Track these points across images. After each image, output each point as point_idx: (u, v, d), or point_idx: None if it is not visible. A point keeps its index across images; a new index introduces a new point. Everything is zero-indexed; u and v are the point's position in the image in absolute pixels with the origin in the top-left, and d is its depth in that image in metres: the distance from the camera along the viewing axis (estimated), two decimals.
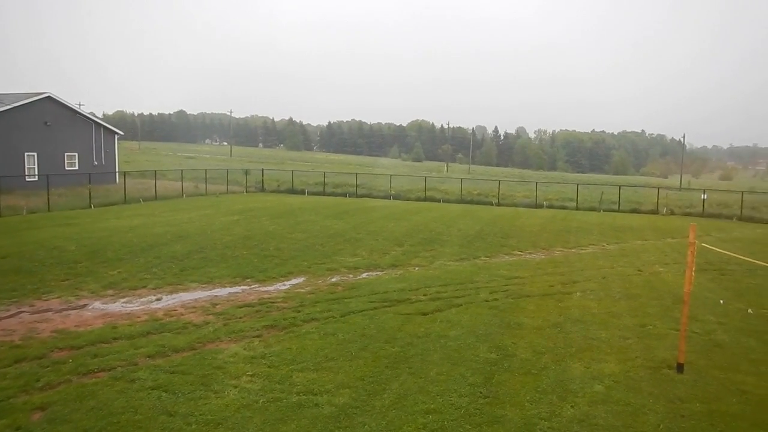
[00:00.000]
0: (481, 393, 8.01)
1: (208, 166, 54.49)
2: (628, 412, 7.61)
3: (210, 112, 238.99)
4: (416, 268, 16.44)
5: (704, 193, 40.07)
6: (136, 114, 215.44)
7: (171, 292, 13.02)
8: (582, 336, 10.71)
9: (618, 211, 38.48)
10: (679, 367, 9.02)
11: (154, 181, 36.43)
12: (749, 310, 12.89)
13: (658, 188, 45.69)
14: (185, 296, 12.75)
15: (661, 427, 7.21)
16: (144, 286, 13.43)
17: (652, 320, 11.87)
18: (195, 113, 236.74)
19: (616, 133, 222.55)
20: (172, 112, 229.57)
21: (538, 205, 39.96)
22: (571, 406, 7.70)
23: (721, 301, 13.60)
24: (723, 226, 31.53)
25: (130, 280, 13.90)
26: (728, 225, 32.75)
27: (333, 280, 14.72)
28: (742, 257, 15.63)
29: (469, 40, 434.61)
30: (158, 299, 12.44)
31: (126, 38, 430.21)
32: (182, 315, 11.27)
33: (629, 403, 7.86)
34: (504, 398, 7.88)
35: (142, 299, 12.42)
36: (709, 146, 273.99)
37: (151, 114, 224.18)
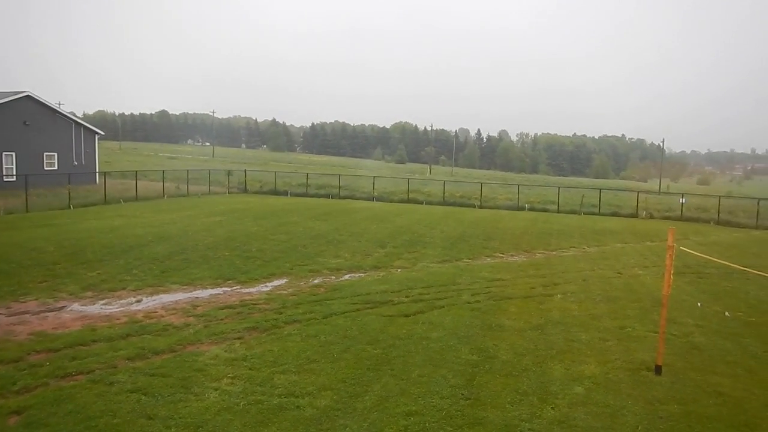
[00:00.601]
0: (462, 395, 8.05)
1: (190, 167, 54.05)
2: (608, 413, 7.69)
3: (192, 112, 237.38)
4: (399, 270, 16.46)
5: (683, 197, 40.62)
6: (117, 114, 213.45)
7: (151, 294, 12.89)
8: (563, 338, 10.80)
9: (598, 214, 38.89)
10: (658, 369, 9.13)
11: (135, 182, 36.05)
12: (726, 313, 13.10)
13: (638, 192, 46.22)
14: (166, 298, 12.63)
15: (639, 428, 7.30)
16: (124, 288, 13.28)
17: (632, 323, 12.01)
18: (177, 113, 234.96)
19: (597, 137, 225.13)
20: (153, 112, 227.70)
21: (520, 208, 40.22)
22: (552, 408, 7.76)
23: (699, 304, 13.79)
24: (701, 230, 32.01)
25: (109, 282, 13.74)
26: (706, 229, 33.25)
27: (315, 281, 14.69)
28: (719, 261, 15.89)
29: (457, 47, 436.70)
30: (138, 301, 12.32)
31: (108, 37, 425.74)
32: (162, 317, 11.17)
33: (608, 405, 7.94)
34: (485, 400, 7.92)
35: (121, 301, 12.29)
36: (688, 151, 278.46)
37: (132, 114, 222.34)
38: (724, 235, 30.36)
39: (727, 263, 15.74)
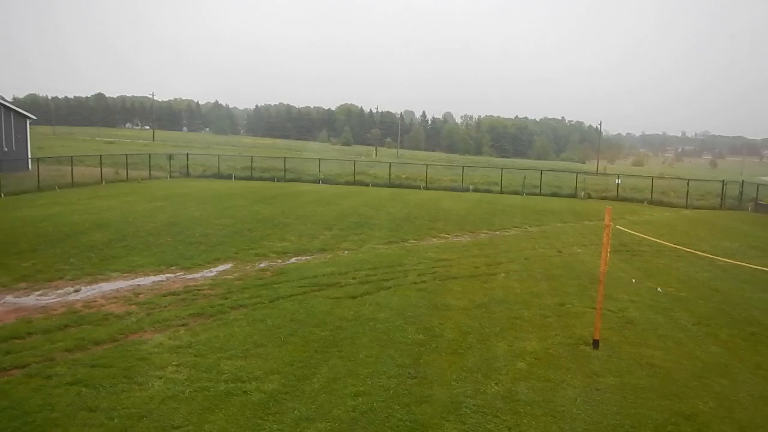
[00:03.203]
0: (409, 374, 8.18)
1: (129, 151, 52.25)
2: (548, 387, 7.98)
3: (130, 95, 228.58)
4: (345, 252, 16.49)
5: (618, 178, 42.16)
6: (50, 97, 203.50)
7: (90, 283, 12.49)
8: (506, 315, 11.10)
9: (540, 194, 39.95)
10: (595, 343, 9.52)
11: (70, 168, 34.56)
12: (658, 289, 13.73)
13: (577, 173, 47.69)
14: (106, 286, 12.27)
15: (578, 400, 7.61)
16: (61, 278, 12.80)
17: (571, 299, 12.45)
18: (114, 96, 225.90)
19: (538, 120, 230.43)
20: (89, 96, 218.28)
21: (464, 189, 40.85)
22: (496, 383, 8.00)
23: (633, 281, 14.41)
24: (635, 210, 33.38)
25: (45, 272, 13.21)
26: (640, 208, 34.70)
27: (261, 265, 14.56)
28: (652, 239, 16.61)
29: (403, 30, 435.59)
30: (76, 291, 11.91)
31: (34, 16, 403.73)
32: (103, 306, 10.86)
33: (549, 379, 8.24)
34: (432, 378, 8.08)
35: (58, 291, 11.86)
36: (624, 133, 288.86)
37: (66, 97, 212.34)
38: (656, 214, 31.76)
39: (659, 241, 16.50)
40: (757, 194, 38.39)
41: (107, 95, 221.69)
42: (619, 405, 7.52)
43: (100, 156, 39.28)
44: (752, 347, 10.02)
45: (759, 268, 15.23)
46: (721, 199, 39.20)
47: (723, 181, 40.92)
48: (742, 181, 43.02)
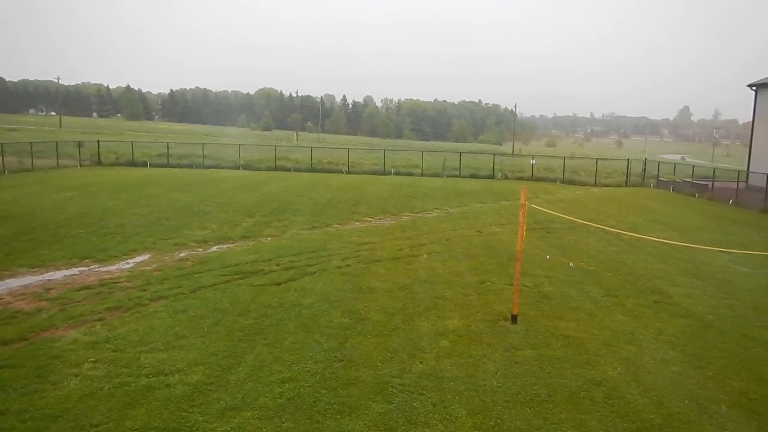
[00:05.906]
0: (335, 357, 8.25)
1: (34, 139, 49.04)
2: (471, 363, 8.27)
3: (33, 78, 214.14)
4: (268, 239, 16.31)
5: (533, 159, 43.78)
6: None
7: None
8: (429, 296, 11.36)
9: (459, 176, 40.88)
10: (513, 319, 9.93)
11: None
12: (570, 264, 14.44)
13: (494, 155, 49.07)
14: (13, 283, 11.58)
15: (498, 373, 7.94)
16: None
17: (490, 277, 12.88)
18: (15, 80, 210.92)
19: (456, 103, 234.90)
20: None
21: (386, 173, 41.17)
22: (420, 362, 8.20)
23: (548, 257, 15.08)
24: (549, 189, 34.83)
25: None
26: (553, 187, 36.24)
27: (181, 255, 14.17)
28: (564, 216, 17.39)
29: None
30: None
31: None
32: (10, 303, 10.26)
33: (471, 355, 8.54)
34: (358, 360, 8.19)
35: None
36: (537, 115, 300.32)
37: None
38: (568, 192, 33.28)
39: (571, 218, 17.33)
40: (658, 171, 40.91)
41: (7, 79, 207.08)
42: (536, 376, 7.91)
43: (1, 144, 36.63)
44: (655, 314, 10.77)
45: (660, 240, 16.33)
46: (627, 176, 41.53)
47: (628, 159, 43.34)
48: (645, 159, 45.77)
